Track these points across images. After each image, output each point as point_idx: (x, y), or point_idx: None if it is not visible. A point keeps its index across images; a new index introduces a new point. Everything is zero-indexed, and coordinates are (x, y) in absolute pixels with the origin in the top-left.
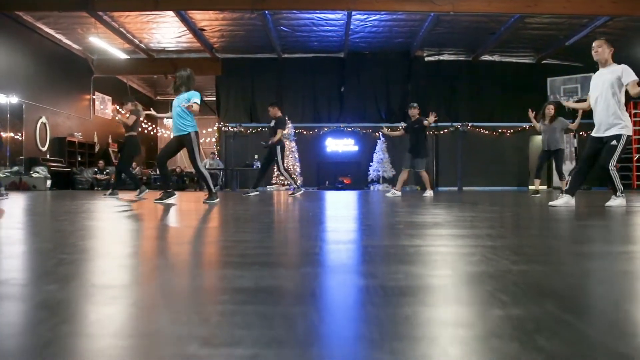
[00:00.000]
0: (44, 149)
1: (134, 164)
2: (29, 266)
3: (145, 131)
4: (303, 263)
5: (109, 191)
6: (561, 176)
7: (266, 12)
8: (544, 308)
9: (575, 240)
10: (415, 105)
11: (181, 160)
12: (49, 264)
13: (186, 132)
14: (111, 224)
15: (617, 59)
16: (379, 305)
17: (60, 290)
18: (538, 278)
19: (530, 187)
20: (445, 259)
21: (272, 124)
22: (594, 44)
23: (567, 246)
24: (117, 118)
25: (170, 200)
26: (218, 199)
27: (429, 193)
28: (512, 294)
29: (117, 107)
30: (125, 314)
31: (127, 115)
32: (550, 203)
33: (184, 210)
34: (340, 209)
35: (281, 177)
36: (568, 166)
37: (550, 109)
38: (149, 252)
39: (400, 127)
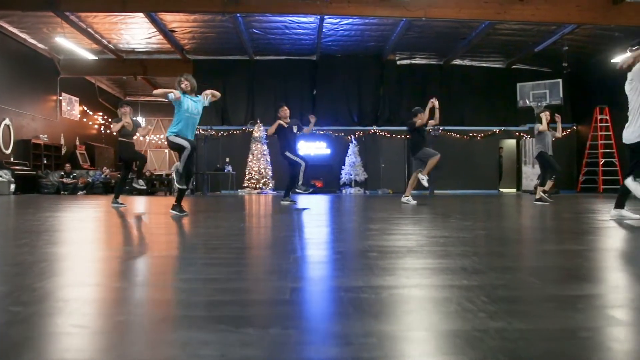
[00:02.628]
0: (8, 151)
1: (104, 168)
2: None
3: (114, 133)
4: (273, 318)
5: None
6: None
7: (238, 14)
8: None
9: (554, 278)
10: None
11: (151, 163)
12: (0, 322)
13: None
14: (74, 250)
15: (586, 65)
16: None
17: None
18: (518, 343)
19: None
20: (420, 310)
21: (295, 128)
22: None
23: (545, 287)
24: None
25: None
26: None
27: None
28: None
29: (85, 109)
30: None
31: (128, 120)
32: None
33: (151, 227)
34: (312, 226)
35: (253, 181)
36: (537, 170)
37: (548, 115)
38: (108, 300)
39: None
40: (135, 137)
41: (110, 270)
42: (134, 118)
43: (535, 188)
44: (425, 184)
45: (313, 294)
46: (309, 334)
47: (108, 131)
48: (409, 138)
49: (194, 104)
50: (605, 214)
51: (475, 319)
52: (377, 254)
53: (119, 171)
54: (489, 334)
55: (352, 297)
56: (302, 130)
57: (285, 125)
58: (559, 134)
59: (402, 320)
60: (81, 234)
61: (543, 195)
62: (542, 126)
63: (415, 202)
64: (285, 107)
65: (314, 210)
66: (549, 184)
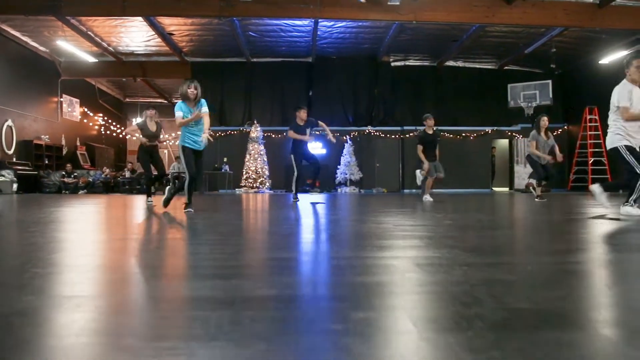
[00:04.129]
0: (10, 152)
1: (104, 168)
2: (7, 277)
3: (114, 133)
4: (236, 275)
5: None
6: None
7: (234, 18)
8: None
9: (481, 252)
10: (430, 115)
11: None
12: (25, 277)
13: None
14: (79, 236)
15: (576, 66)
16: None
17: (35, 301)
18: (422, 288)
19: (537, 191)
20: (352, 271)
21: (308, 131)
22: None
23: (468, 258)
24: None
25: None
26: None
27: (428, 197)
28: None
29: (86, 110)
30: (89, 321)
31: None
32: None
33: (150, 220)
34: (295, 219)
35: (250, 180)
36: (529, 169)
37: (545, 121)
38: (114, 265)
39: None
40: (159, 141)
41: (112, 247)
42: (158, 122)
43: (527, 187)
44: (418, 182)
45: (271, 261)
46: (258, 282)
47: (108, 132)
48: None
49: (191, 111)
50: (586, 210)
51: (394, 274)
52: (342, 237)
53: (120, 171)
54: (400, 282)
55: (296, 263)
56: (314, 132)
57: (299, 137)
58: (558, 158)
59: (331, 278)
60: (84, 224)
61: (533, 191)
62: (532, 149)
63: (430, 199)
64: (303, 110)
65: (305, 207)
66: (536, 184)
